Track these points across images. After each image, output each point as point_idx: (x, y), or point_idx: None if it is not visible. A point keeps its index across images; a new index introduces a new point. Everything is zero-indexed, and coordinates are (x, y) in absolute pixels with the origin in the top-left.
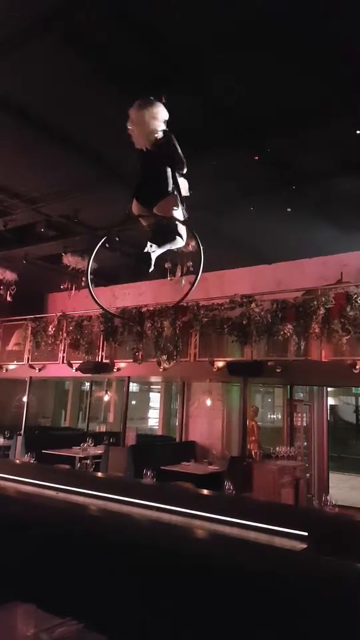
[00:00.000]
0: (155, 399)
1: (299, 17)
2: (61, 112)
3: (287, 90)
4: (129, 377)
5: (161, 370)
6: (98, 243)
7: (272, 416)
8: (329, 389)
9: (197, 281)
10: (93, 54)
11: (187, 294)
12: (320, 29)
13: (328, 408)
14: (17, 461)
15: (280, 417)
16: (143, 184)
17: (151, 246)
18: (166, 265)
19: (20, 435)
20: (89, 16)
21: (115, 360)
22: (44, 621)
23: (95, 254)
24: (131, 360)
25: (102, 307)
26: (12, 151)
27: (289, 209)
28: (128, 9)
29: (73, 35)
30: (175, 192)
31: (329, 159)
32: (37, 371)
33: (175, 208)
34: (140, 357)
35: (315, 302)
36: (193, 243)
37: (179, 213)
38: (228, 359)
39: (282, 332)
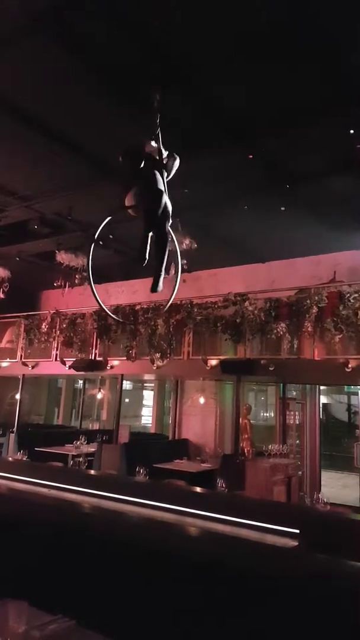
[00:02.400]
0: (148, 397)
1: (297, 17)
2: (56, 111)
3: (280, 90)
4: (122, 375)
5: (155, 368)
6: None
7: (264, 414)
8: (322, 387)
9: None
10: (88, 54)
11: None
12: (316, 29)
13: (320, 406)
14: (10, 459)
15: (272, 415)
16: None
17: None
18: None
19: (12, 432)
20: (85, 16)
21: (108, 358)
22: (36, 618)
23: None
24: (124, 358)
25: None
26: (6, 149)
27: (282, 208)
28: (125, 9)
29: (69, 34)
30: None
31: (323, 158)
32: (30, 369)
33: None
34: (133, 355)
35: (308, 301)
36: (187, 241)
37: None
38: (221, 357)
39: (275, 331)
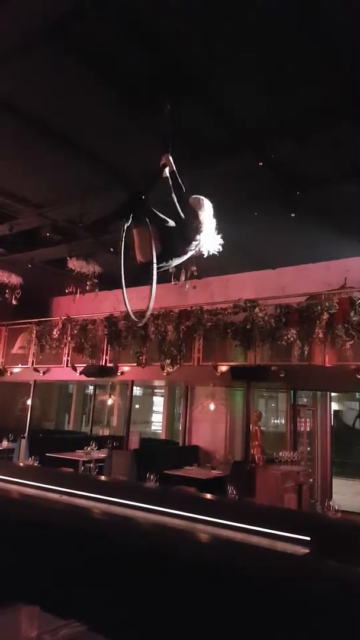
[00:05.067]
0: (158, 403)
1: (302, 18)
2: (67, 118)
3: (291, 96)
4: (132, 381)
5: (165, 374)
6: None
7: (275, 421)
8: (333, 394)
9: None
10: (99, 61)
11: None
12: (323, 31)
13: (331, 413)
14: (21, 464)
15: (283, 422)
16: None
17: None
18: (170, 270)
19: (24, 438)
20: (92, 23)
21: (119, 364)
22: (48, 623)
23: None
24: (135, 364)
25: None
26: (18, 156)
27: (292, 214)
28: (130, 11)
29: (78, 41)
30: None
31: (333, 164)
32: (41, 374)
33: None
34: (144, 361)
35: (319, 307)
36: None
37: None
38: (232, 364)
39: (285, 337)
